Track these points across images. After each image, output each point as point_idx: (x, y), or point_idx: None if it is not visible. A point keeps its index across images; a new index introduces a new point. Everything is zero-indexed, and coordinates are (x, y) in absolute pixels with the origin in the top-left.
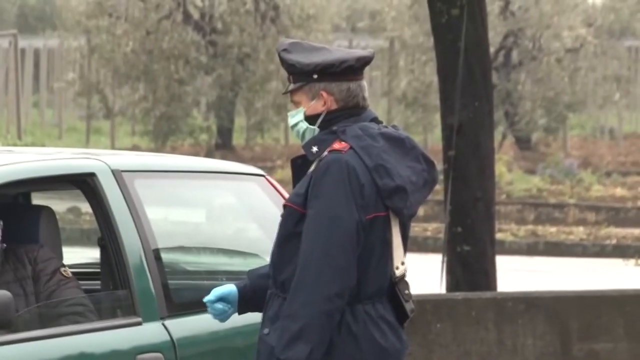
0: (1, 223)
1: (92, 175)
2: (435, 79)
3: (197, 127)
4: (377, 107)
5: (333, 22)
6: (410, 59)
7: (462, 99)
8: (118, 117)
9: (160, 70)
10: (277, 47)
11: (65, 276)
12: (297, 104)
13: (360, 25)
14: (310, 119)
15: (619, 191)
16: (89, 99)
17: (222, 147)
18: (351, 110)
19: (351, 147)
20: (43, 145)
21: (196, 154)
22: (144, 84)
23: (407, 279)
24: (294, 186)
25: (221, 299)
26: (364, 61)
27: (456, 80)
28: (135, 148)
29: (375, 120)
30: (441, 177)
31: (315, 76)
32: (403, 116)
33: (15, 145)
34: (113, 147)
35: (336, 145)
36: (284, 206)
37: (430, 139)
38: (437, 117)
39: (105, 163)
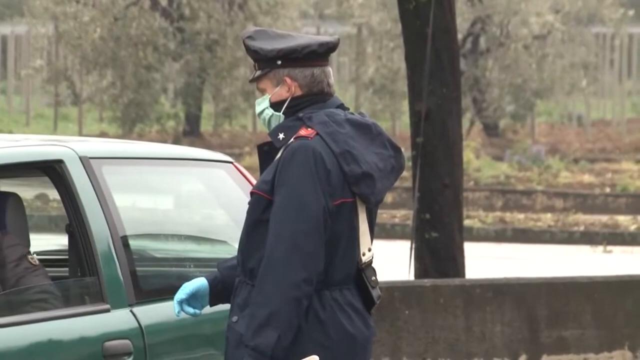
0: None
1: (60, 162)
2: (402, 65)
3: (164, 113)
4: (344, 93)
5: (301, 8)
6: (377, 45)
7: (429, 86)
8: (86, 103)
9: (128, 57)
10: (242, 34)
11: (32, 264)
12: (262, 91)
13: (328, 12)
14: (275, 105)
15: (587, 178)
16: (56, 86)
17: (190, 133)
18: (316, 97)
19: (317, 134)
20: (10, 132)
21: (164, 141)
22: (111, 71)
23: (373, 265)
24: (261, 173)
25: (193, 295)
26: (328, 47)
27: (424, 67)
28: (102, 135)
29: (341, 106)
30: (409, 163)
31: (279, 62)
32: (370, 103)
33: None
34: (81, 134)
35: (302, 132)
36: (251, 193)
37: (398, 125)
38: (404, 104)
39: (73, 150)
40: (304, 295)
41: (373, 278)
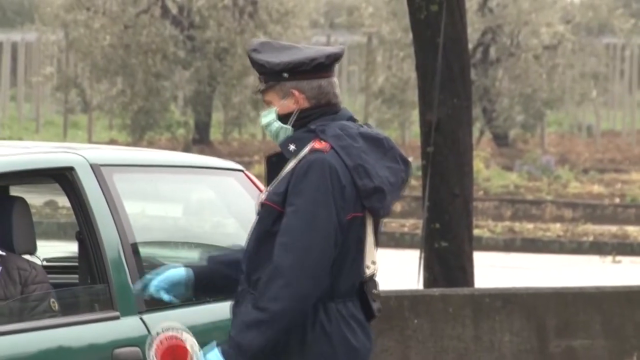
0: None
1: (71, 169)
2: (412, 75)
3: (174, 121)
4: (354, 102)
5: (311, 17)
6: (387, 54)
7: (440, 96)
8: (95, 111)
9: (138, 65)
10: (246, 47)
11: (53, 309)
12: (268, 104)
13: (338, 21)
14: (282, 117)
15: (596, 188)
16: (66, 93)
17: (200, 141)
18: (324, 108)
19: (332, 147)
20: (20, 139)
21: (173, 149)
22: (121, 78)
23: (376, 278)
24: (267, 183)
25: (174, 283)
26: (334, 58)
27: (435, 77)
28: (112, 142)
29: (351, 119)
30: (419, 173)
31: (285, 75)
32: (380, 112)
33: None
34: (90, 141)
35: (317, 145)
36: (262, 204)
37: (408, 135)
38: (414, 114)
39: (84, 157)
40: (302, 311)
41: (374, 291)
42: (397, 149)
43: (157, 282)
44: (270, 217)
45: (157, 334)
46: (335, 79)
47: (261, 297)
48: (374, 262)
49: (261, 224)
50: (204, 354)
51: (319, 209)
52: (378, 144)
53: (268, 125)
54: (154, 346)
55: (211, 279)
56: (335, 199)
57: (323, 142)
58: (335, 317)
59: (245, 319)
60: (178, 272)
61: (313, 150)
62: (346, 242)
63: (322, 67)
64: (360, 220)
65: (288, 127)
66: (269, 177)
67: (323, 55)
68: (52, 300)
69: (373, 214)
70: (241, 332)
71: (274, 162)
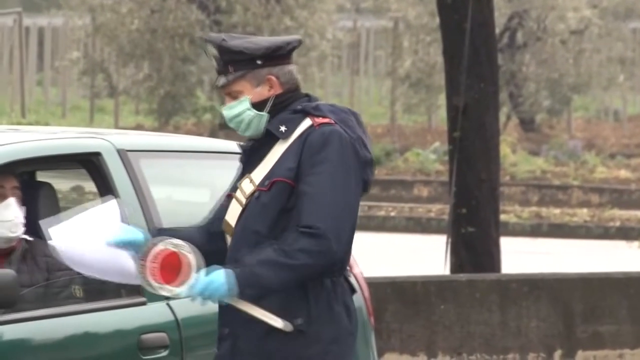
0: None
1: (97, 154)
2: (439, 59)
3: (200, 106)
4: (380, 87)
5: (337, 2)
6: (414, 39)
7: (467, 80)
8: (122, 95)
9: (164, 49)
10: (210, 39)
11: (75, 296)
12: (236, 95)
13: (365, 5)
14: (256, 105)
15: (623, 173)
16: (93, 78)
17: (226, 126)
18: (295, 93)
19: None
20: (47, 123)
21: (199, 133)
22: (148, 63)
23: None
24: (244, 170)
25: (131, 243)
26: (301, 42)
27: (462, 62)
28: (138, 127)
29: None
30: (446, 158)
31: (259, 62)
32: (406, 97)
33: (19, 123)
34: (117, 126)
35: (320, 120)
36: (274, 182)
37: (434, 119)
38: (440, 98)
39: (110, 142)
40: (322, 270)
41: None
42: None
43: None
44: (284, 193)
45: (154, 244)
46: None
47: (289, 246)
48: None
49: (275, 202)
50: (207, 274)
51: (347, 174)
52: (359, 119)
53: (238, 115)
54: (155, 256)
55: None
56: (355, 170)
57: (322, 118)
58: (347, 291)
59: (262, 258)
60: (140, 235)
61: (320, 124)
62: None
63: (292, 51)
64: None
65: (264, 114)
66: (248, 163)
67: (294, 40)
68: (75, 287)
69: (365, 187)
70: (256, 265)
71: (255, 149)
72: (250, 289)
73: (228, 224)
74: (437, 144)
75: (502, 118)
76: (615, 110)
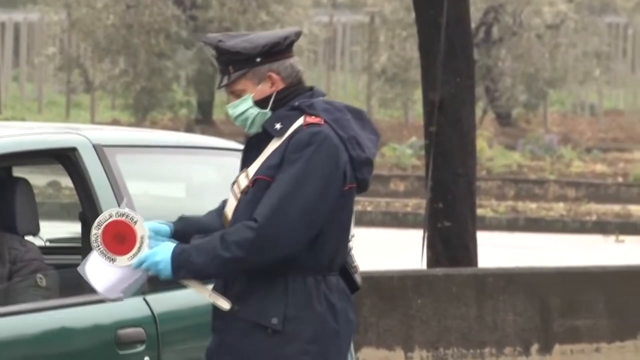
0: None
1: (73, 149)
2: (415, 54)
3: (177, 101)
4: (357, 82)
5: None
6: (390, 34)
7: (443, 75)
8: (98, 91)
9: (140, 45)
10: (207, 41)
11: (38, 285)
12: (238, 94)
13: (341, 0)
14: (259, 103)
15: (599, 167)
16: (69, 73)
17: (202, 121)
18: (297, 87)
19: (325, 121)
20: (23, 119)
21: (176, 129)
22: (124, 58)
23: (352, 252)
24: (244, 164)
25: (156, 232)
26: (298, 35)
27: (437, 56)
28: (115, 122)
29: (324, 96)
30: (422, 152)
31: (258, 59)
32: (382, 91)
33: None
34: (93, 121)
35: (310, 119)
36: (255, 180)
37: (411, 114)
38: (416, 93)
39: (86, 138)
40: (252, 267)
41: (354, 264)
42: (371, 121)
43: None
44: (263, 190)
45: (110, 216)
46: (297, 58)
47: (229, 235)
48: (352, 235)
49: (255, 199)
50: (156, 244)
51: (307, 179)
52: (360, 116)
53: (242, 114)
54: (103, 226)
55: (182, 240)
56: (332, 176)
57: (315, 117)
58: (336, 289)
59: (201, 243)
60: (164, 226)
61: (308, 124)
62: (346, 213)
63: (292, 45)
64: (354, 192)
65: (267, 112)
66: (246, 159)
67: (292, 34)
68: (39, 276)
69: (362, 186)
70: (193, 249)
71: (253, 144)
72: (184, 272)
73: (226, 217)
74: (413, 138)
75: (479, 113)
76: (591, 104)
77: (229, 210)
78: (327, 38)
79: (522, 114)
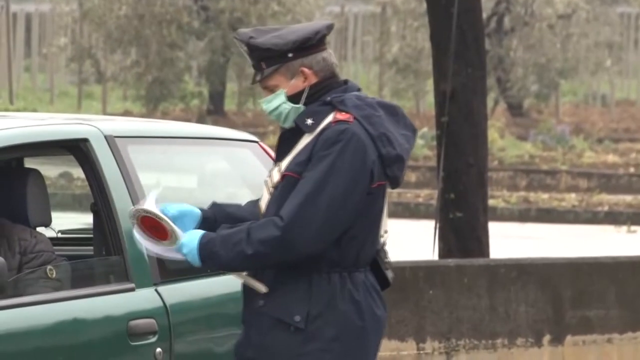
0: None
1: (85, 140)
2: (426, 44)
3: (188, 92)
4: (368, 72)
5: None
6: (401, 24)
7: (454, 65)
8: (110, 82)
9: (152, 35)
10: (239, 37)
11: (48, 276)
12: (272, 89)
13: None
14: (292, 98)
15: (611, 158)
16: (80, 64)
17: (214, 112)
18: (331, 80)
19: (355, 117)
20: (35, 110)
21: (187, 119)
22: (136, 49)
23: (385, 247)
24: (277, 157)
25: (182, 214)
26: (330, 28)
27: (449, 47)
28: (127, 113)
29: (359, 90)
30: (434, 143)
31: (290, 55)
32: (394, 82)
33: (7, 109)
34: (105, 112)
35: (340, 116)
36: (283, 176)
37: (422, 105)
38: (428, 83)
39: (98, 129)
40: (276, 263)
41: (387, 260)
42: (407, 117)
43: (170, 206)
44: (292, 187)
45: (138, 211)
46: (330, 50)
47: (255, 230)
48: (386, 231)
49: (283, 195)
50: (184, 234)
51: (334, 177)
52: (393, 111)
53: (276, 109)
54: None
55: (213, 227)
56: (361, 174)
57: (345, 113)
58: (362, 286)
59: (227, 235)
60: (193, 210)
61: (337, 121)
62: (374, 210)
63: (324, 39)
64: (384, 189)
65: (300, 106)
66: (279, 153)
67: (323, 27)
68: (49, 268)
69: (393, 183)
70: (219, 241)
71: (286, 138)
72: (210, 262)
73: (260, 209)
74: (425, 129)
75: (490, 103)
76: (602, 94)
77: (263, 203)
78: (339, 28)
79: (534, 105)
